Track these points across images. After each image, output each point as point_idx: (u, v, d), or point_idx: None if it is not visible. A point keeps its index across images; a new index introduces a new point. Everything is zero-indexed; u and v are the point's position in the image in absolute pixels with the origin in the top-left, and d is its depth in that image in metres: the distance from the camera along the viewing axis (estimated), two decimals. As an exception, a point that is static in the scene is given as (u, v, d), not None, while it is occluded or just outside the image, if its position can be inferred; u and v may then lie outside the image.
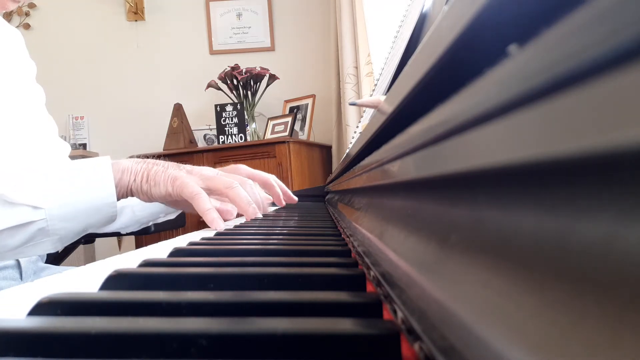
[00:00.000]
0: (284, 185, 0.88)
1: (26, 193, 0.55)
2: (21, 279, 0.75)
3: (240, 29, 2.72)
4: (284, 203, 0.89)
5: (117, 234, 0.94)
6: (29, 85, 0.84)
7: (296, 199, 0.92)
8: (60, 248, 0.60)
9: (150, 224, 0.91)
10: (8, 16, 2.62)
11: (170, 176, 0.62)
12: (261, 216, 0.68)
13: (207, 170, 0.66)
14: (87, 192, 0.58)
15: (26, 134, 0.77)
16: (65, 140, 2.82)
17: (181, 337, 0.16)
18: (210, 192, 0.64)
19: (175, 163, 0.66)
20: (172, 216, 0.89)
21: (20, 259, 0.75)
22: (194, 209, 0.67)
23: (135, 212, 0.86)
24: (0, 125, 0.72)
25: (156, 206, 0.83)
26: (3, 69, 0.77)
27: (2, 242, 0.55)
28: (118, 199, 0.61)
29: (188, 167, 0.65)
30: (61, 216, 0.57)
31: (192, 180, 0.62)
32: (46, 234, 0.57)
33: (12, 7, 0.78)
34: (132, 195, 0.64)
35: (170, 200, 0.65)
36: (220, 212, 0.71)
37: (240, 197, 0.64)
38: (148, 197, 0.63)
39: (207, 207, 0.60)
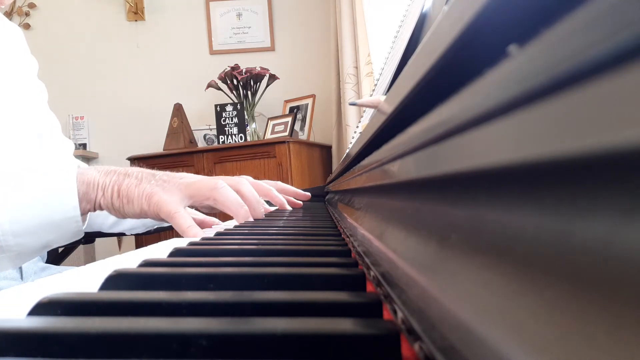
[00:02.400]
0: (291, 188, 0.83)
1: None
2: (22, 279, 0.75)
3: (240, 29, 2.72)
4: (300, 202, 0.86)
5: (122, 234, 0.93)
6: (30, 82, 0.81)
7: (308, 194, 0.87)
8: (20, 264, 0.56)
9: (155, 227, 0.90)
10: (8, 15, 2.62)
11: (144, 192, 0.56)
12: (252, 219, 0.62)
13: (187, 177, 0.60)
14: (44, 206, 0.53)
15: (28, 131, 0.74)
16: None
17: (181, 337, 0.16)
18: (194, 200, 0.58)
19: (150, 172, 0.60)
20: None
21: None
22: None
23: None
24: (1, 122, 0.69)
25: None
26: (3, 65, 0.74)
27: None
28: (84, 214, 0.56)
29: (165, 175, 0.59)
30: (15, 232, 0.52)
31: (169, 196, 0.56)
32: (0, 251, 0.53)
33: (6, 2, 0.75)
34: (102, 210, 0.58)
35: (146, 218, 0.59)
36: (204, 224, 0.66)
37: (228, 199, 0.58)
38: (121, 215, 0.57)
39: (186, 224, 0.54)
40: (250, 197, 0.63)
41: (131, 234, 0.92)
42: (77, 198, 0.55)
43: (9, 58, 0.77)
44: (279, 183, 0.81)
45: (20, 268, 0.75)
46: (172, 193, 0.57)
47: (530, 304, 0.09)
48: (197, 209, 0.70)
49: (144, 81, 2.72)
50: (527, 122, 0.10)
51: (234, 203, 0.59)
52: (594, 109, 0.07)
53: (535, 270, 0.10)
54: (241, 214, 0.60)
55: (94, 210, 0.58)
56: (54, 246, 0.58)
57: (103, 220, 0.85)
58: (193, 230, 0.54)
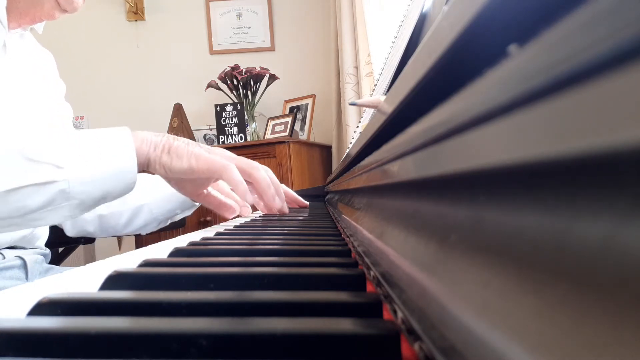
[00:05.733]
0: (293, 194, 0.88)
1: (49, 151, 0.54)
2: (27, 279, 0.75)
3: (240, 29, 2.72)
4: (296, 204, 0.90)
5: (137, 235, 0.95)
6: (58, 104, 0.89)
7: (307, 203, 0.91)
8: (78, 215, 0.59)
9: (169, 222, 0.91)
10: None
11: (193, 152, 0.62)
12: (280, 205, 0.68)
13: (227, 152, 0.66)
14: (108, 156, 0.57)
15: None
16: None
17: (181, 337, 0.16)
18: None
19: (195, 142, 0.66)
20: (189, 212, 0.89)
21: (26, 259, 0.75)
22: (203, 200, 0.67)
23: (153, 211, 0.86)
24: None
25: (172, 203, 0.84)
26: (37, 89, 0.82)
27: (21, 203, 0.53)
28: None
29: (206, 147, 0.65)
30: (82, 178, 0.55)
31: (217, 157, 0.62)
32: (66, 197, 0.55)
33: (59, 16, 0.80)
34: (149, 168, 0.63)
35: (188, 178, 0.64)
36: (226, 207, 0.72)
37: (265, 180, 0.65)
38: (166, 171, 0.62)
39: (239, 178, 0.60)
40: (278, 184, 0.70)
41: (145, 234, 0.93)
42: (135, 151, 0.59)
43: (42, 81, 0.85)
44: (282, 186, 0.83)
45: (26, 269, 0.75)
46: (217, 156, 0.63)
47: (529, 303, 0.09)
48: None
49: (144, 81, 2.72)
50: (526, 123, 0.10)
51: (267, 184, 0.65)
52: (592, 109, 0.07)
53: (535, 270, 0.10)
54: (269, 194, 0.66)
55: (144, 166, 0.62)
56: (108, 200, 0.61)
57: (117, 221, 0.87)
58: (244, 185, 0.60)
